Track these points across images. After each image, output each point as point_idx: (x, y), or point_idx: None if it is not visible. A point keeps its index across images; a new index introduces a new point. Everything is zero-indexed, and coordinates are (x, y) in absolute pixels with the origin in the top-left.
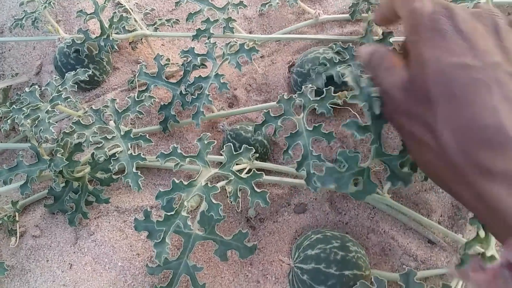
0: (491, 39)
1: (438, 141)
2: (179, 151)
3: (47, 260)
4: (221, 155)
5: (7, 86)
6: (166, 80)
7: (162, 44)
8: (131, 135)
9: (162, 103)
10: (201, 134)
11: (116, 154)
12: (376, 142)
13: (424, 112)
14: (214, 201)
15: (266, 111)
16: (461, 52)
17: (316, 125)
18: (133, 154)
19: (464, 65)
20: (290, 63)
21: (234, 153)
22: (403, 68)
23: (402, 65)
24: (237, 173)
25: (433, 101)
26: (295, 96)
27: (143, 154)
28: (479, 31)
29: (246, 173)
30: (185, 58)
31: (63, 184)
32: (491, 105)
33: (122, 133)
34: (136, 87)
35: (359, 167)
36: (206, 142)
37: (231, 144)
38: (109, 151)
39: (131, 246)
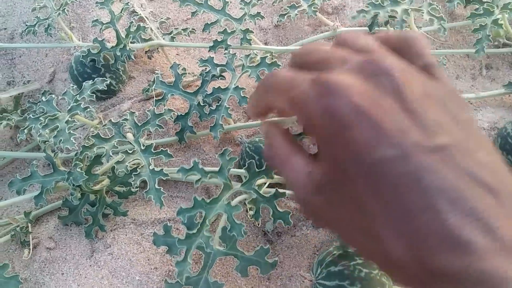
0: (395, 105)
1: (383, 247)
2: (200, 166)
3: (62, 273)
4: (239, 167)
5: (19, 94)
6: (183, 89)
7: (177, 54)
8: (152, 150)
9: (178, 113)
10: (223, 150)
11: (138, 169)
12: None
13: (361, 220)
14: (236, 221)
15: None
16: (372, 141)
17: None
18: (155, 169)
19: (383, 160)
20: None
21: (256, 170)
22: (308, 164)
23: (306, 161)
24: (260, 192)
25: (368, 210)
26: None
27: (163, 167)
28: (379, 103)
29: (267, 187)
30: (203, 68)
31: (79, 196)
32: (429, 204)
33: (142, 147)
34: (154, 97)
35: None
36: (228, 158)
37: (253, 159)
38: (129, 165)
39: (148, 259)
